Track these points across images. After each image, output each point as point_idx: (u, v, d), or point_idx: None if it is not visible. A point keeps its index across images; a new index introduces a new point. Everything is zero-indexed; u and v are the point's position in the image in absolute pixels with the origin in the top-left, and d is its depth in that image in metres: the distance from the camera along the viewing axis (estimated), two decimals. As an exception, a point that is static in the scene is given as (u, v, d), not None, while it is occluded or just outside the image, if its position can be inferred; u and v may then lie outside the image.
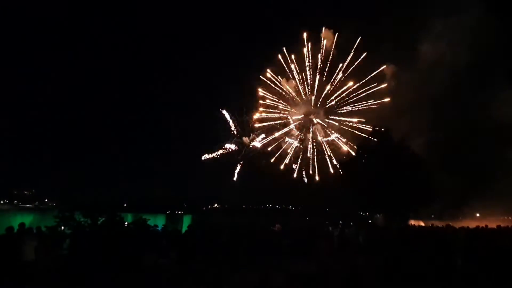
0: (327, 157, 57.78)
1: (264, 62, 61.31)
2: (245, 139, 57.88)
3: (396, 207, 28.65)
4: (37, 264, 10.58)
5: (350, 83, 58.11)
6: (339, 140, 57.86)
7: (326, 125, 59.81)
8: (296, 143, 59.30)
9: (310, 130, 60.48)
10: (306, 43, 59.44)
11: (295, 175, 57.51)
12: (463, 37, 38.83)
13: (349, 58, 57.58)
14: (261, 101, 60.21)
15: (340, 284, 6.77)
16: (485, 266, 11.37)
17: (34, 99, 52.61)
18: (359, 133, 53.87)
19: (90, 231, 13.57)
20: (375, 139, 30.98)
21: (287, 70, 60.37)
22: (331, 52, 58.91)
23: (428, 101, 44.16)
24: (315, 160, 58.44)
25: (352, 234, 21.96)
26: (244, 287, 8.84)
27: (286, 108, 60.77)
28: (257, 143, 59.05)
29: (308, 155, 58.85)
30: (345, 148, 56.14)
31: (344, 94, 58.55)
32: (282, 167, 57.62)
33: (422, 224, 35.32)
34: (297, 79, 60.50)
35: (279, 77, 60.43)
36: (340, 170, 43.86)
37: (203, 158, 54.38)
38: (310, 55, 59.65)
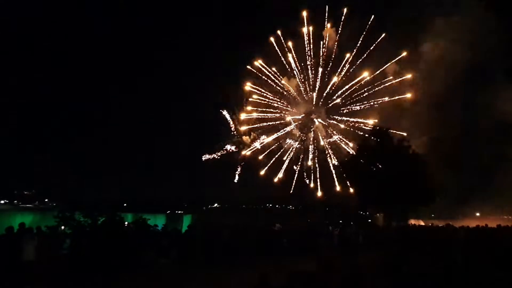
0: (331, 166, 50.67)
1: (253, 49, 50.97)
2: (245, 138, 52.94)
3: (396, 206, 28.65)
4: (37, 264, 10.58)
5: (365, 74, 48.56)
6: (342, 142, 51.37)
7: (327, 125, 52.79)
8: (296, 144, 53.00)
9: (311, 136, 53.07)
10: (306, 25, 49.42)
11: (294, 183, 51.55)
12: (464, 36, 38.73)
13: (359, 41, 47.00)
14: (250, 99, 51.49)
15: (341, 283, 6.76)
16: (485, 265, 11.38)
17: (34, 98, 52.40)
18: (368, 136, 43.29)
19: (90, 231, 13.57)
20: (375, 139, 30.97)
21: (283, 59, 50.60)
22: (337, 37, 49.10)
23: (428, 100, 44.12)
24: (317, 172, 51.45)
25: (352, 234, 22.03)
26: (244, 287, 8.83)
27: (281, 107, 52.55)
28: (248, 151, 52.11)
29: (309, 162, 52.02)
30: (350, 151, 48.00)
31: (355, 87, 49.52)
32: (276, 180, 51.38)
33: (422, 223, 35.38)
34: (295, 71, 51.30)
35: (273, 69, 51.11)
36: (341, 170, 39.26)
37: (203, 158, 53.35)
38: (311, 39, 49.98)
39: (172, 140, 58.24)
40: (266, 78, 51.34)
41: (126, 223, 15.59)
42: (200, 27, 62.60)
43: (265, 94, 51.66)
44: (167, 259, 14.46)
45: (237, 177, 52.37)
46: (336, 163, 49.27)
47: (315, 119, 52.93)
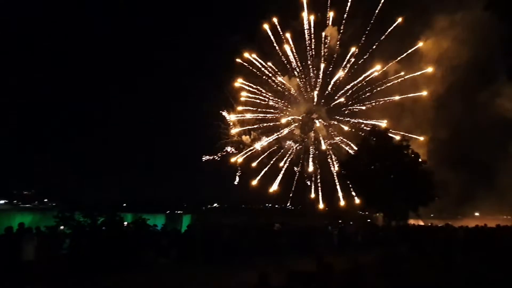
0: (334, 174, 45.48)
1: (245, 40, 45.80)
2: (245, 138, 50.55)
3: (395, 206, 28.63)
4: (37, 264, 10.58)
5: (377, 67, 42.55)
6: (345, 144, 47.62)
7: (328, 125, 48.93)
8: (295, 146, 49.52)
9: (311, 136, 49.49)
10: (306, 9, 43.43)
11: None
12: (466, 34, 38.40)
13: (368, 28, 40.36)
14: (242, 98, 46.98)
15: (340, 283, 6.76)
16: (484, 264, 11.39)
17: (34, 98, 52.37)
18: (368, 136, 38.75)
19: (89, 231, 13.58)
20: (374, 138, 30.93)
21: (278, 50, 45.32)
22: (341, 26, 42.64)
23: (429, 99, 43.87)
24: (319, 184, 47.08)
25: (351, 233, 22.07)
26: (244, 286, 8.84)
27: (277, 106, 48.16)
28: (239, 157, 48.40)
29: (310, 168, 47.94)
30: (351, 152, 43.03)
31: (362, 83, 44.10)
32: (271, 190, 47.27)
33: (422, 223, 35.34)
34: (293, 64, 46.37)
35: (268, 63, 46.01)
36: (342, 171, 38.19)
37: (203, 159, 52.76)
38: (311, 27, 44.06)
39: (172, 140, 58.33)
40: (259, 73, 46.17)
41: (125, 223, 15.60)
42: (200, 27, 62.80)
43: (257, 91, 46.55)
44: (166, 259, 14.48)
45: (237, 178, 50.48)
46: (339, 170, 42.31)
47: (315, 120, 49.39)
